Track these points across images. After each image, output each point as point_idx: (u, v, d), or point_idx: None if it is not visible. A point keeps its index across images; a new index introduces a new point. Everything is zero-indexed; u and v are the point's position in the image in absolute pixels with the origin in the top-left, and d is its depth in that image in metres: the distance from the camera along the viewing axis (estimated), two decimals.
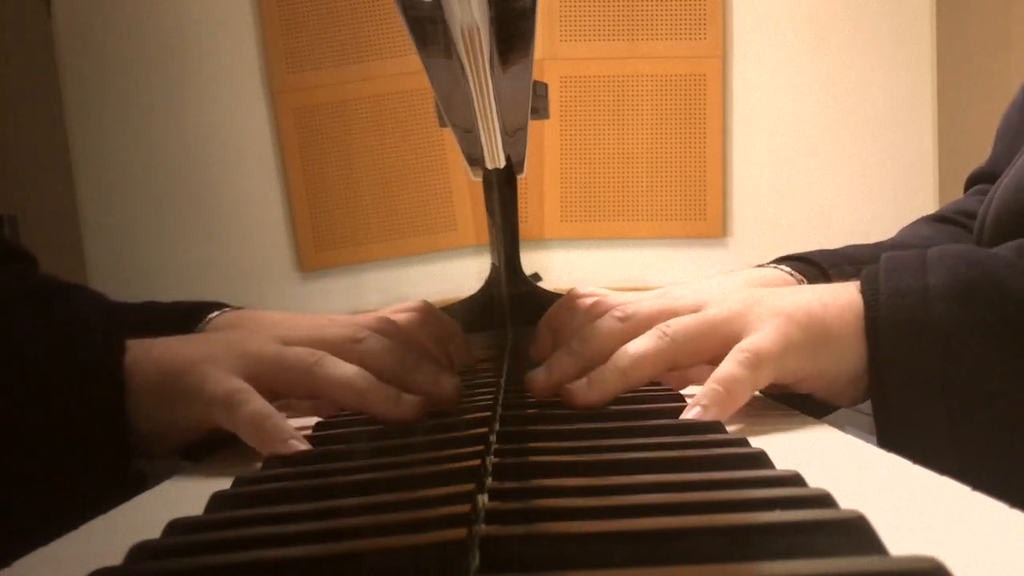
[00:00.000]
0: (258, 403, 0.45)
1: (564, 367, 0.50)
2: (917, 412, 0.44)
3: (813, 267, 0.66)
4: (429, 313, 0.65)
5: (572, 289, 0.66)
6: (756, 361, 0.45)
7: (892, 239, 0.77)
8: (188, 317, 0.65)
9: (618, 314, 0.50)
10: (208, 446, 0.51)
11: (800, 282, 0.64)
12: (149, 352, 0.48)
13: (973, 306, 0.44)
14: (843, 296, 0.48)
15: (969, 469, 0.43)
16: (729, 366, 0.46)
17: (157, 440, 0.48)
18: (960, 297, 0.44)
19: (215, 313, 0.66)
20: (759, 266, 0.70)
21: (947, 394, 0.44)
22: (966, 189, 0.85)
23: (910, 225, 0.83)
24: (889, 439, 0.46)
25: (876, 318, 0.45)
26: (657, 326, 0.48)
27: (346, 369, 0.47)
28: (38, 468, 0.44)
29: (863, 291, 0.47)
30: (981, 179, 0.82)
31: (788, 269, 0.67)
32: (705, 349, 0.49)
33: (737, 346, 0.46)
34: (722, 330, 0.48)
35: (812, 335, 0.47)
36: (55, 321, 0.49)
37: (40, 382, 0.45)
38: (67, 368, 0.45)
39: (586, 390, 0.47)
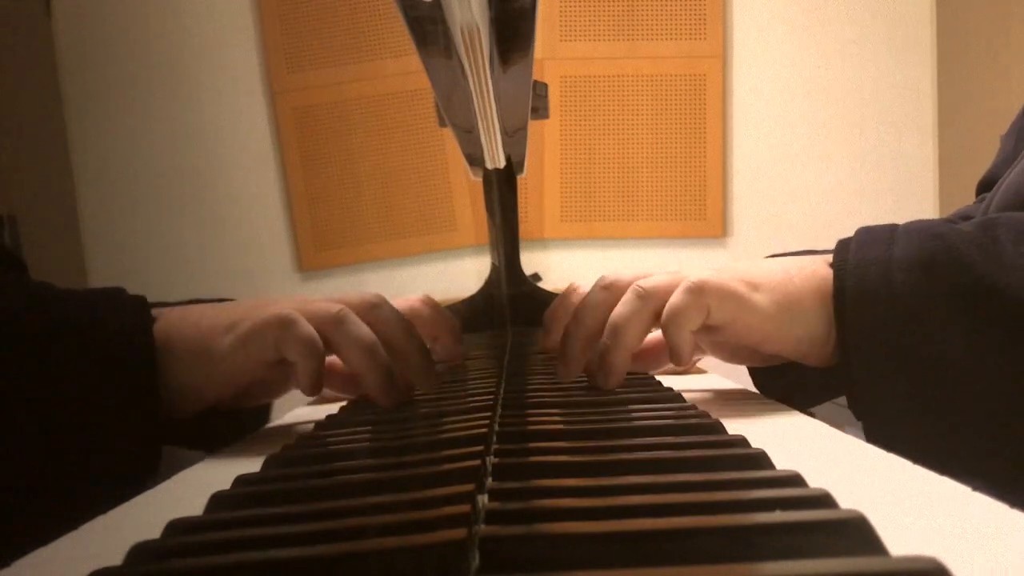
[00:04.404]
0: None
1: (573, 353, 0.55)
2: (879, 377, 0.47)
3: None
4: (429, 307, 0.66)
5: (571, 285, 0.68)
6: (698, 287, 0.50)
7: None
8: None
9: (602, 283, 0.55)
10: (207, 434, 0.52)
11: None
12: (185, 317, 0.50)
13: (932, 276, 0.46)
14: (809, 267, 0.51)
15: (930, 432, 0.45)
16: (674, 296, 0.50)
17: (190, 400, 0.50)
18: (921, 268, 0.46)
19: None
20: None
21: (907, 360, 0.46)
22: (976, 195, 0.85)
23: None
24: (856, 404, 0.48)
25: (843, 287, 0.48)
26: (631, 287, 0.53)
27: (366, 331, 0.51)
28: (71, 445, 0.45)
29: (834, 262, 0.50)
30: (987, 185, 0.82)
31: None
32: None
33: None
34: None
35: (775, 300, 0.50)
36: (80, 296, 0.49)
37: (73, 354, 0.45)
38: (99, 339, 0.46)
39: (604, 379, 0.53)
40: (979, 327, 0.45)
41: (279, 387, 0.57)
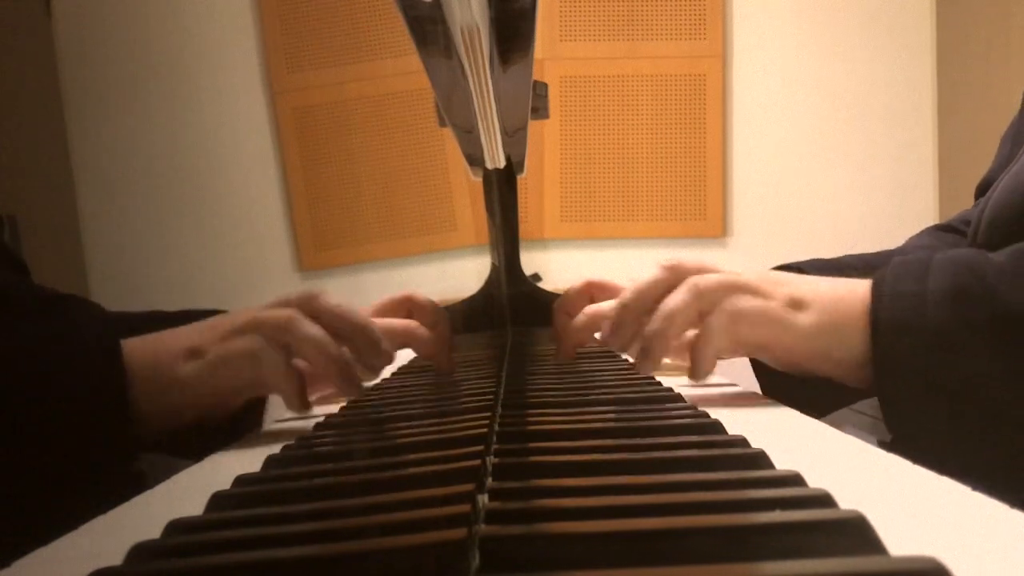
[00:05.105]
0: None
1: (624, 326, 0.56)
2: (915, 406, 0.48)
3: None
4: (421, 298, 0.67)
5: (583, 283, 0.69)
6: (734, 315, 0.52)
7: (895, 249, 0.80)
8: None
9: (666, 265, 0.57)
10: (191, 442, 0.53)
11: None
12: (145, 346, 0.50)
13: (965, 308, 0.47)
14: (858, 291, 0.52)
15: (967, 458, 0.45)
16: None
17: (151, 425, 0.50)
18: (954, 300, 0.48)
19: None
20: None
21: (941, 389, 0.47)
22: (976, 198, 0.85)
23: (916, 235, 0.85)
24: (894, 430, 0.50)
25: (878, 319, 0.49)
26: (688, 282, 0.54)
27: (314, 327, 0.52)
28: (43, 466, 0.45)
29: (871, 293, 0.51)
30: (984, 188, 0.82)
31: None
32: None
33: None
34: (745, 291, 0.53)
35: (819, 321, 0.51)
36: (53, 326, 0.49)
37: (40, 387, 0.45)
38: (67, 372, 0.46)
39: (644, 363, 0.54)
40: (1013, 356, 0.46)
41: (246, 405, 0.58)
